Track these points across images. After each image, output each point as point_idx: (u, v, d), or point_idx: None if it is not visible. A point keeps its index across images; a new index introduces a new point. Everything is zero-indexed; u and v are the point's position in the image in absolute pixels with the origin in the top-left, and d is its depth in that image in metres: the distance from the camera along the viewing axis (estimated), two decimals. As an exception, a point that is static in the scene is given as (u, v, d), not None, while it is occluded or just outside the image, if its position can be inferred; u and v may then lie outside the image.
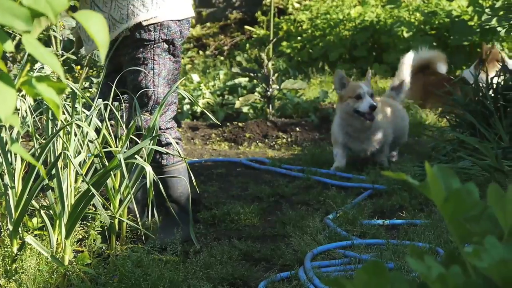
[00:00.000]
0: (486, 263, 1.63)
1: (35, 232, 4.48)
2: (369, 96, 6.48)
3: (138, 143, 4.68)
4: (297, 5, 10.60)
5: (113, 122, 4.84)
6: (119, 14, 4.81)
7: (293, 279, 4.46)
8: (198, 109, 8.02)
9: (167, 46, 4.90)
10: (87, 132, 4.59)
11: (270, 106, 7.85)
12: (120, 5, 4.80)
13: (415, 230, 5.07)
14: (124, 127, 4.85)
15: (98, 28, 2.47)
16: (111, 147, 4.67)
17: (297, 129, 7.63)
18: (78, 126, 4.58)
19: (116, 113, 4.81)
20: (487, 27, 9.20)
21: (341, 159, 6.67)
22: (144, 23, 4.80)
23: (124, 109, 5.05)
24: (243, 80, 8.38)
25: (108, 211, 4.68)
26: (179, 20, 4.92)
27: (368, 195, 5.91)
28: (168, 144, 4.91)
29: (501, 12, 8.16)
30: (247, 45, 10.53)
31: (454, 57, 9.40)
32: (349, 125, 6.63)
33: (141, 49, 4.86)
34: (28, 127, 4.70)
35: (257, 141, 7.46)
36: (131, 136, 4.71)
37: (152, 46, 4.87)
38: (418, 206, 5.54)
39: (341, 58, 9.96)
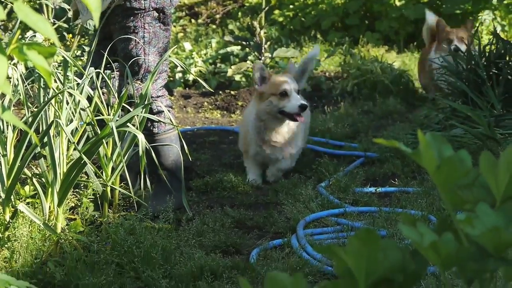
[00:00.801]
0: (478, 231, 1.63)
1: (28, 200, 4.47)
2: (296, 93, 5.44)
3: (130, 111, 4.67)
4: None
5: (105, 90, 4.83)
6: None
7: (286, 246, 4.47)
8: (191, 77, 7.99)
9: (157, 14, 4.88)
10: (79, 100, 4.57)
11: (263, 74, 7.84)
12: None
13: (408, 197, 5.08)
14: (116, 95, 4.84)
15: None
16: (103, 115, 4.66)
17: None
18: (70, 94, 4.56)
19: (108, 81, 4.80)
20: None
21: (257, 178, 5.60)
22: None
23: (115, 78, 5.03)
24: (235, 49, 8.36)
25: (101, 179, 4.68)
26: (169, -11, 4.90)
27: (360, 163, 5.91)
28: (159, 112, 4.90)
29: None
30: (239, 13, 10.48)
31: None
32: (267, 128, 5.53)
33: (132, 17, 4.85)
34: (20, 95, 4.68)
35: (250, 110, 7.45)
36: (123, 104, 4.69)
37: (142, 15, 4.85)
38: (411, 174, 5.54)
39: (333, 26, 9.93)
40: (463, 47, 7.08)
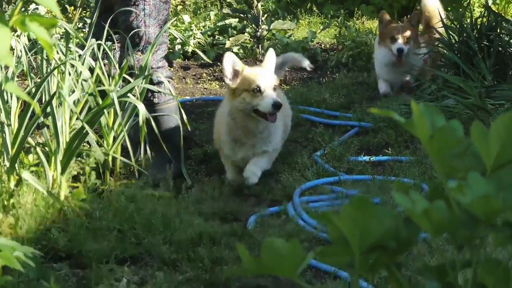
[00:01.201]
0: (469, 198, 1.63)
1: (32, 169, 4.47)
2: (271, 89, 4.66)
3: (131, 82, 4.66)
4: None
5: (106, 61, 4.82)
6: None
7: (282, 213, 4.48)
8: (190, 49, 7.96)
9: (157, -13, 4.86)
10: (81, 71, 4.57)
11: (260, 46, 7.80)
12: None
13: (401, 166, 5.09)
14: (116, 66, 4.83)
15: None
16: (104, 85, 4.65)
17: (286, 68, 7.59)
18: (72, 66, 4.55)
19: (109, 52, 4.79)
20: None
21: (237, 177, 4.93)
22: None
23: (116, 49, 5.02)
24: (233, 21, 8.31)
25: (102, 148, 4.68)
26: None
27: (355, 132, 5.90)
28: (159, 83, 4.90)
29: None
30: (238, -14, 10.43)
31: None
32: (240, 128, 4.82)
33: (133, -10, 4.84)
34: (23, 66, 4.68)
35: (248, 80, 7.43)
36: (124, 75, 4.69)
37: (143, -13, 4.84)
38: (404, 143, 5.54)
39: (329, -1, 9.88)
40: (406, 48, 6.57)
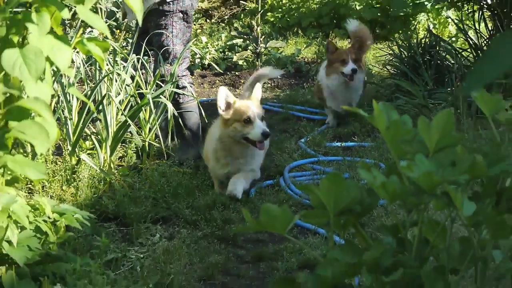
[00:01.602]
0: (416, 174, 1.63)
1: (88, 152, 4.47)
2: (260, 120, 4.17)
3: (162, 86, 4.66)
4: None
5: (143, 71, 4.81)
6: None
7: (276, 185, 4.47)
8: (206, 62, 7.93)
9: (182, 15, 4.84)
10: (125, 79, 4.56)
11: (259, 60, 7.78)
12: None
13: (364, 150, 5.08)
14: (151, 75, 4.82)
15: (134, 1, 2.45)
16: (142, 89, 4.64)
17: (278, 76, 7.56)
18: (118, 74, 4.54)
19: (146, 64, 4.78)
20: (418, 2, 9.10)
21: (217, 187, 4.34)
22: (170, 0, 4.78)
23: (151, 62, 5.01)
24: (239, 41, 8.27)
25: (140, 136, 4.67)
26: (190, -4, 4.88)
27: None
28: (183, 87, 4.89)
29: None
30: (242, 15, 10.36)
31: (394, 24, 9.29)
32: (228, 150, 4.26)
33: (163, 17, 4.81)
34: (81, 74, 4.66)
35: (249, 86, 7.41)
36: (157, 81, 4.68)
37: (171, 15, 4.81)
38: (366, 133, 5.53)
39: (311, 25, 9.81)
40: (357, 69, 5.59)
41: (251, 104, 4.17)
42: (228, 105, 4.17)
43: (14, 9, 2.67)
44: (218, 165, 4.25)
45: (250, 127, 4.12)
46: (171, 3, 4.80)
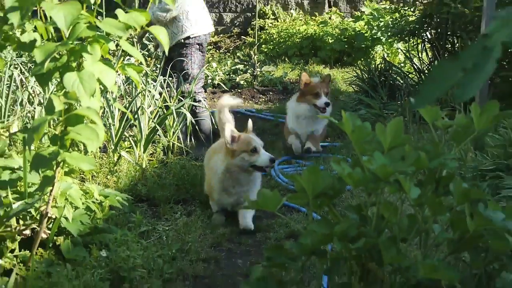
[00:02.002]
0: (374, 166, 1.62)
1: (126, 150, 4.45)
2: (262, 148, 3.66)
3: (182, 100, 4.64)
4: (270, 25, 10.36)
5: (168, 89, 4.80)
6: (176, 29, 4.75)
7: (268, 175, 4.46)
8: (216, 82, 7.92)
9: (198, 46, 4.83)
10: (154, 95, 4.54)
11: (255, 80, 7.77)
12: (177, 25, 4.74)
13: (335, 148, 5.07)
14: (175, 91, 4.80)
15: (163, 37, 2.46)
16: (167, 102, 4.63)
17: (270, 93, 7.53)
18: (149, 91, 4.52)
19: (170, 84, 4.77)
20: (375, 37, 9.09)
21: (222, 219, 3.64)
22: (190, 35, 4.76)
23: (174, 82, 5.00)
24: (240, 66, 8.27)
25: (166, 138, 4.66)
26: (205, 34, 4.86)
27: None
28: (199, 101, 4.87)
29: (383, 28, 8.01)
30: (243, 46, 10.35)
31: (357, 53, 9.28)
32: (236, 179, 3.63)
33: (185, 48, 4.80)
34: (121, 91, 4.64)
35: (249, 100, 7.37)
36: (179, 96, 4.67)
37: (190, 47, 4.80)
38: (337, 135, 5.52)
39: (295, 54, 9.79)
40: (328, 102, 4.82)
41: (254, 136, 3.70)
42: (233, 139, 3.63)
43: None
44: (225, 195, 3.65)
45: (257, 155, 3.59)
46: (191, 37, 4.78)
